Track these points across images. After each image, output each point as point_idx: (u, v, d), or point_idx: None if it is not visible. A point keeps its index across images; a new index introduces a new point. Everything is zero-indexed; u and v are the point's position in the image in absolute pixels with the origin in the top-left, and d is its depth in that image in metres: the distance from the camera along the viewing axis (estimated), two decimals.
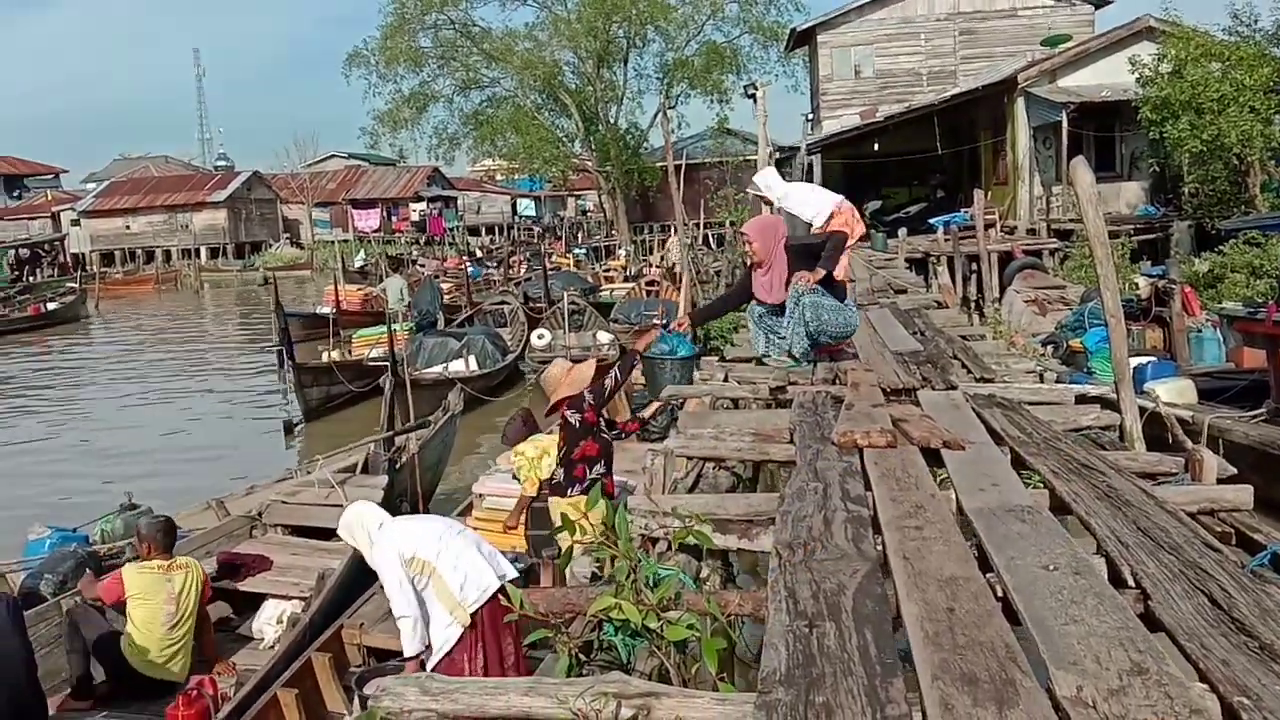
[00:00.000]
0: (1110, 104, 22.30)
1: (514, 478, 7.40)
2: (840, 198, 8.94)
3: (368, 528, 5.14)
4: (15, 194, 69.56)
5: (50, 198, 66.50)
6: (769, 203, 9.72)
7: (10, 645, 5.03)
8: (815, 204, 8.77)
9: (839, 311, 7.17)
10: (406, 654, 4.97)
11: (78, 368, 25.64)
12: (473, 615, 4.95)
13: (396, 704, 2.65)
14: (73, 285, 38.78)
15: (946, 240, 20.67)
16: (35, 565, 7.57)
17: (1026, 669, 2.41)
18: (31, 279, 44.44)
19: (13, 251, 47.14)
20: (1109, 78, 22.85)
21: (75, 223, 59.93)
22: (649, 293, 24.33)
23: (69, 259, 51.04)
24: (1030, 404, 5.74)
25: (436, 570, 4.96)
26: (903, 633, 2.74)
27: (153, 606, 5.87)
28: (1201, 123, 18.91)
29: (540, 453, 7.11)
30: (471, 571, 5.04)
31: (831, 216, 8.52)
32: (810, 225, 8.56)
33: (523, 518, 7.12)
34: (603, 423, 6.55)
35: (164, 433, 16.78)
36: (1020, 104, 24.23)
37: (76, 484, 13.24)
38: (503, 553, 6.43)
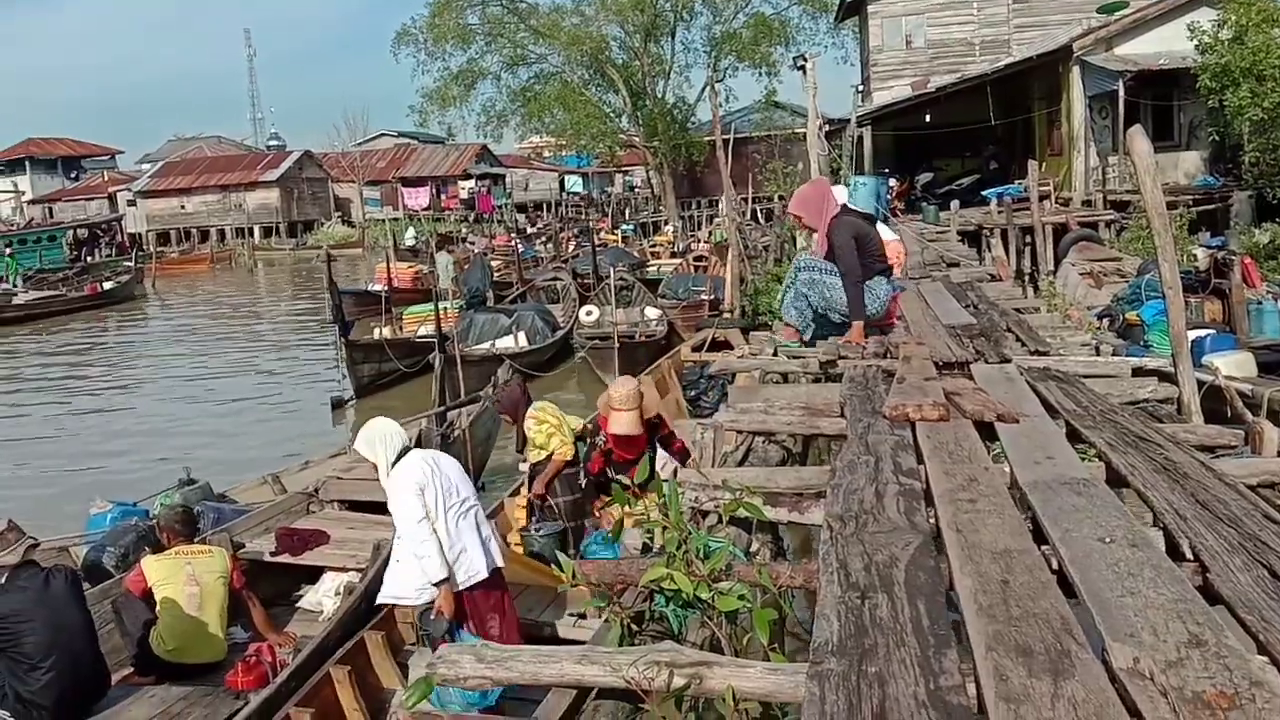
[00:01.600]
0: (1168, 72, 21.81)
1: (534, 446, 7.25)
2: (895, 237, 8.90)
3: (390, 446, 5.20)
4: (73, 175, 70.86)
5: (107, 178, 67.71)
6: None
7: (71, 616, 5.16)
8: None
9: (842, 289, 6.95)
10: (435, 579, 5.05)
11: (135, 346, 26.15)
12: (457, 594, 5.07)
13: (452, 671, 2.69)
14: (129, 265, 39.40)
15: (1000, 212, 20.38)
16: (97, 539, 7.76)
17: (1082, 641, 2.38)
18: (90, 259, 45.28)
19: (71, 232, 48.07)
20: (1167, 45, 22.32)
21: (131, 203, 60.95)
22: (697, 268, 24.29)
23: (126, 239, 51.88)
24: (1086, 377, 5.66)
25: (434, 531, 5.06)
26: (956, 605, 2.73)
27: (175, 590, 5.90)
28: (1263, 90, 18.45)
29: (559, 419, 7.11)
30: (464, 554, 5.13)
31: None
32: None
33: (554, 484, 7.09)
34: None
35: (220, 409, 17.10)
36: (1075, 73, 23.76)
37: (136, 459, 13.54)
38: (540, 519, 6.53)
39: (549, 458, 7.04)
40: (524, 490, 7.35)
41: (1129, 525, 3.12)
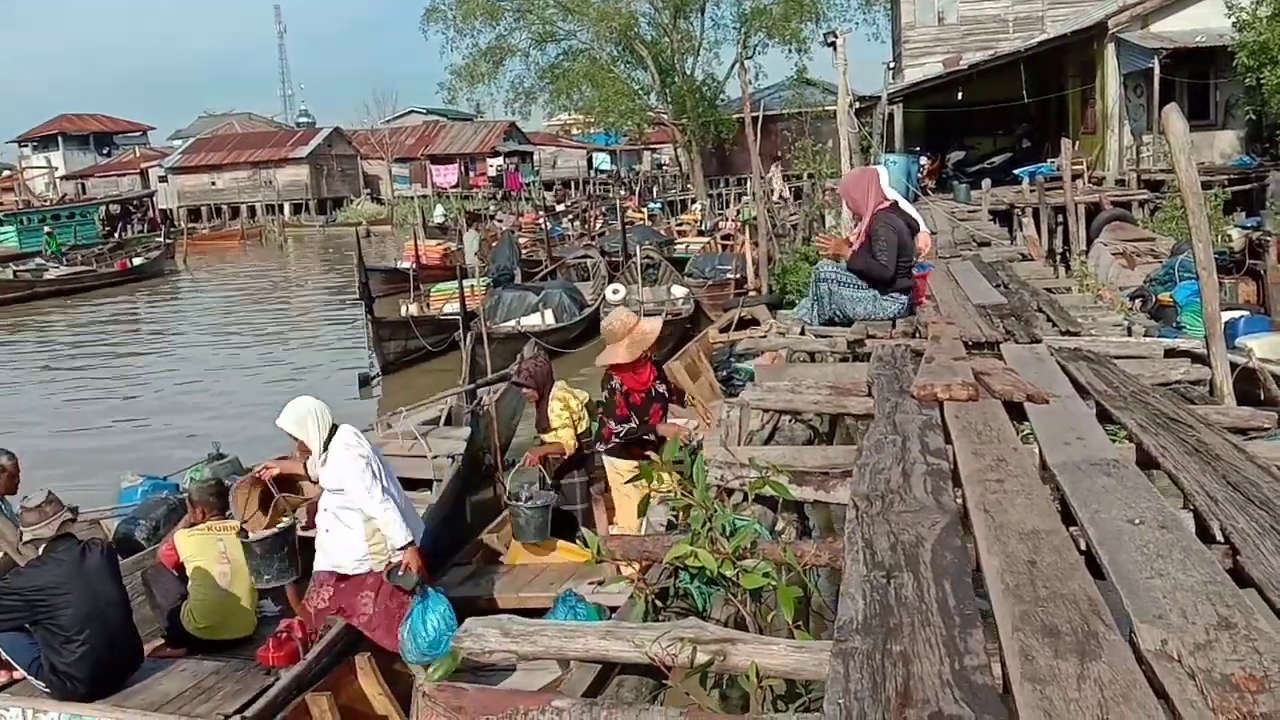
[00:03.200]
0: (1205, 50, 21.45)
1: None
2: (924, 228, 8.78)
3: (322, 424, 5.36)
4: (105, 151, 71.46)
5: (139, 154, 68.25)
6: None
7: (106, 589, 5.22)
8: None
9: (862, 302, 6.91)
10: (400, 544, 5.29)
11: (165, 321, 26.39)
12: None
13: (478, 645, 2.70)
14: (159, 240, 39.66)
15: (1032, 191, 20.16)
16: (129, 512, 7.85)
17: (1110, 622, 2.37)
18: (123, 234, 45.67)
19: (104, 207, 48.50)
20: (1203, 22, 21.94)
21: (163, 179, 61.43)
22: (724, 247, 24.20)
23: (158, 215, 52.29)
24: (1117, 358, 5.60)
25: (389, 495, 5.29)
26: (982, 586, 2.72)
27: (206, 565, 5.94)
28: None
29: (581, 406, 7.01)
30: (405, 515, 5.35)
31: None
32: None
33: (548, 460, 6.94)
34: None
35: (249, 384, 17.24)
36: (1110, 50, 23.42)
37: (165, 434, 13.68)
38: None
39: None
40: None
41: (1159, 507, 3.10)
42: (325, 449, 5.30)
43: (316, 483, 5.53)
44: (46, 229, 38.89)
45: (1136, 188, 21.24)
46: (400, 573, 5.33)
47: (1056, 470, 3.54)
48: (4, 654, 5.15)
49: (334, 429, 5.39)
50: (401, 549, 5.30)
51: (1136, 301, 11.09)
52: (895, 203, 7.12)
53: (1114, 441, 4.02)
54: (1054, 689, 2.09)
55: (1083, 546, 2.91)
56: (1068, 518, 3.13)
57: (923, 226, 8.88)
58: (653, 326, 6.62)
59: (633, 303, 17.05)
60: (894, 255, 6.79)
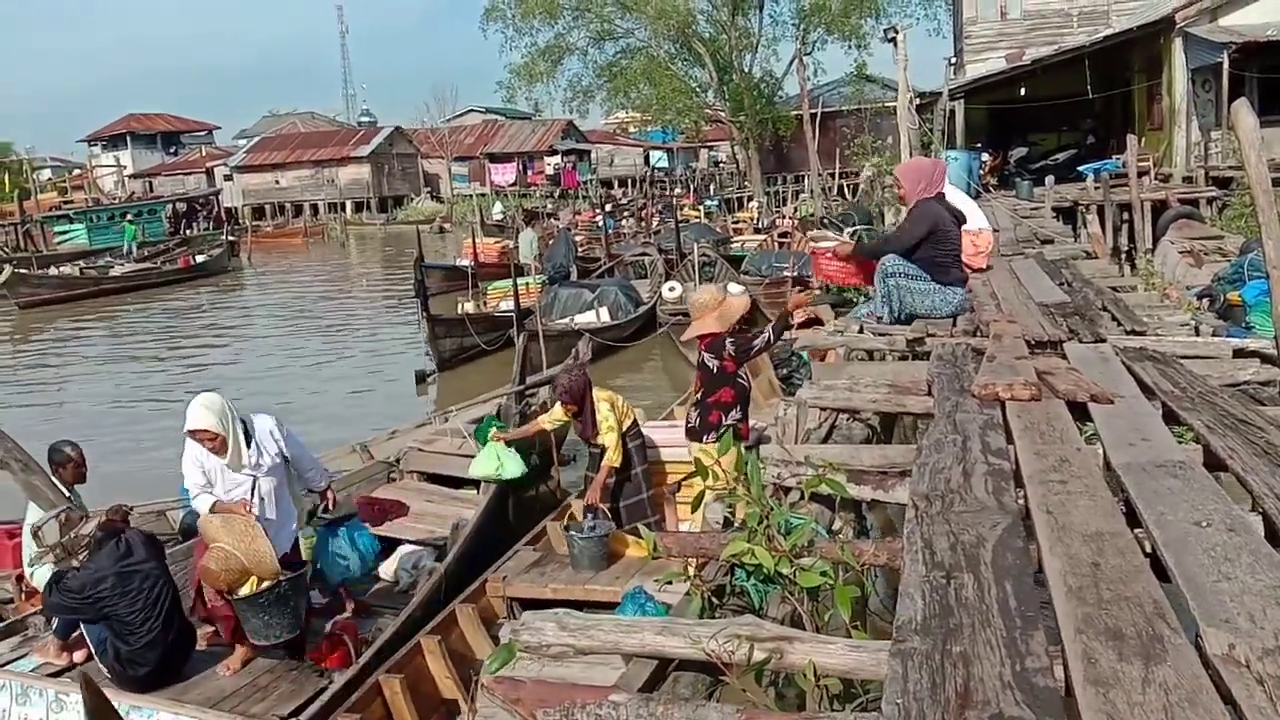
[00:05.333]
0: (1276, 43, 20.90)
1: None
2: (986, 226, 8.74)
3: (236, 418, 5.45)
4: (172, 150, 72.93)
5: (204, 154, 69.52)
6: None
7: (148, 564, 5.36)
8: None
9: (928, 294, 6.95)
10: (327, 482, 6.13)
11: (228, 317, 26.86)
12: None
13: (535, 638, 2.73)
14: (222, 238, 40.25)
15: (1097, 188, 19.81)
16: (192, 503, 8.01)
17: (1176, 626, 2.33)
18: (188, 232, 46.57)
19: (171, 205, 49.50)
20: (1274, 15, 21.37)
21: (228, 178, 62.53)
22: (780, 244, 24.08)
23: (223, 213, 53.23)
24: (1184, 358, 5.49)
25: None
26: (1044, 587, 2.68)
27: None
28: None
29: (621, 415, 6.89)
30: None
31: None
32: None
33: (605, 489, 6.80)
34: (744, 372, 6.45)
35: (310, 379, 17.50)
36: (1178, 45, 22.91)
37: None
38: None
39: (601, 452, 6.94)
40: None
41: (1227, 509, 3.03)
42: (248, 440, 5.46)
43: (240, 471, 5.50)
44: (129, 219, 39.43)
45: (1204, 185, 20.77)
46: (327, 509, 6.08)
47: (1121, 471, 3.48)
48: (83, 632, 5.36)
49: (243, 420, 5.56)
50: (326, 489, 6.02)
51: (1204, 301, 10.84)
52: (941, 194, 7.13)
53: (1181, 443, 3.95)
54: (1118, 692, 2.06)
55: (1148, 549, 2.87)
56: (1132, 520, 3.08)
57: (984, 224, 8.82)
58: (741, 301, 6.52)
59: (689, 300, 17.04)
60: (916, 235, 6.91)
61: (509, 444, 7.52)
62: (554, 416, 7.25)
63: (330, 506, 6.16)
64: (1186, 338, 6.33)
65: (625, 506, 6.87)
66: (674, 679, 2.78)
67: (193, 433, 5.32)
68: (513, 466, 7.45)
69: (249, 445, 5.44)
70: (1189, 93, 22.92)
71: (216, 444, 5.34)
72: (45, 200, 49.49)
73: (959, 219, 7.32)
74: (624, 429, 6.85)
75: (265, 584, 5.30)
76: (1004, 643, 2.30)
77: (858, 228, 6.89)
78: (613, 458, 6.74)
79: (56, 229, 42.99)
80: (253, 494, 5.46)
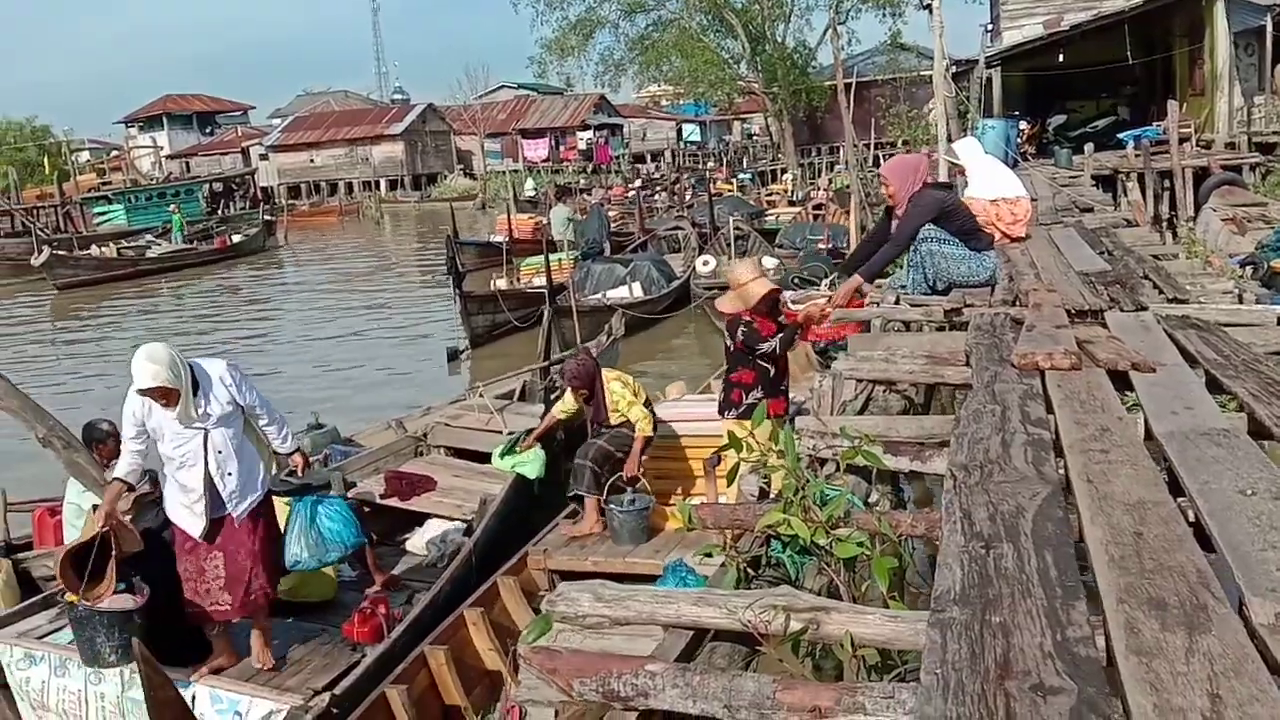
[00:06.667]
0: None
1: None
2: (1024, 194, 8.60)
3: (184, 367, 4.96)
4: (208, 130, 73.48)
5: (240, 133, 70.01)
6: (962, 171, 9.35)
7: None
8: (988, 184, 8.44)
9: (963, 260, 6.85)
10: (293, 446, 5.49)
11: (266, 296, 27.09)
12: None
13: (571, 609, 2.73)
14: (258, 218, 40.48)
15: (1137, 156, 19.50)
16: None
17: (1220, 595, 2.29)
18: (225, 211, 46.95)
19: (208, 185, 49.91)
20: None
21: (264, 157, 62.93)
22: (815, 217, 23.94)
23: (258, 192, 53.60)
24: (1227, 326, 5.40)
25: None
26: (1085, 557, 2.65)
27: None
28: None
29: (633, 387, 6.95)
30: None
31: (994, 204, 8.22)
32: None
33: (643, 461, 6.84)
34: (769, 355, 6.35)
35: (346, 355, 17.64)
36: (1220, 8, 22.43)
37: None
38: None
39: (627, 425, 6.91)
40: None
41: (1272, 477, 2.98)
42: (195, 390, 4.95)
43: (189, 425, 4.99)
44: (172, 207, 39.81)
45: (1247, 151, 20.38)
46: (301, 473, 5.47)
47: (1164, 440, 3.43)
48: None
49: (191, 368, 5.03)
50: (293, 452, 5.45)
51: (1247, 268, 10.68)
52: (926, 182, 7.05)
53: (1224, 411, 3.88)
54: (1161, 662, 2.03)
55: (1191, 518, 2.82)
56: (1175, 489, 3.04)
57: (1023, 192, 8.69)
58: (760, 284, 6.38)
59: (723, 273, 17.00)
60: (915, 226, 6.75)
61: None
62: (565, 405, 7.28)
63: (300, 472, 5.54)
64: (1229, 305, 6.22)
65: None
66: (710, 649, 2.78)
67: (144, 392, 4.85)
68: (531, 468, 7.38)
69: (196, 394, 4.94)
70: (1231, 56, 22.46)
71: (167, 399, 4.88)
72: (84, 182, 50.14)
73: (948, 187, 7.28)
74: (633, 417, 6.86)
75: (69, 598, 4.91)
76: (1044, 612, 2.27)
77: (834, 276, 6.57)
78: (644, 428, 6.76)
79: (96, 210, 43.48)
80: (206, 449, 4.98)
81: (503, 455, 7.35)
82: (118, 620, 4.85)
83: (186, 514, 5.09)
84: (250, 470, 5.17)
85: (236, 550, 5.10)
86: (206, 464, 4.99)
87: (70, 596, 4.90)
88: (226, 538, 5.11)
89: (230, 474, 5.04)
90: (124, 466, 5.03)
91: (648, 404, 7.02)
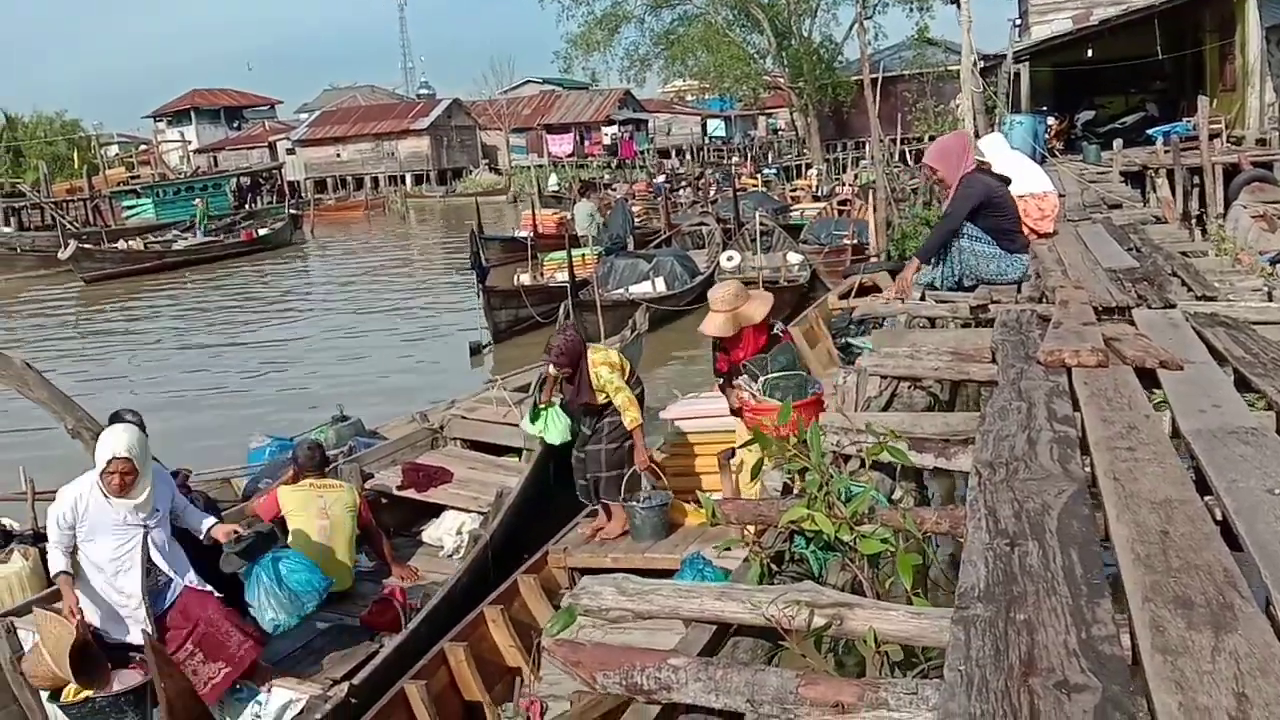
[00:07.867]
0: None
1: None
2: (1051, 189, 8.54)
3: (149, 454, 4.99)
4: (235, 125, 73.95)
5: (267, 128, 70.43)
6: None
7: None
8: (1015, 180, 8.37)
9: (994, 259, 6.84)
10: (210, 522, 5.38)
11: (294, 290, 27.24)
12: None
13: (595, 603, 2.74)
14: (286, 212, 40.65)
15: (1166, 152, 19.31)
16: (257, 471, 8.18)
17: (1247, 594, 2.28)
18: (252, 205, 47.23)
19: (235, 179, 50.22)
20: None
21: (290, 151, 63.25)
22: (840, 212, 23.82)
23: (285, 186, 53.89)
24: (1257, 324, 5.34)
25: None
26: (1111, 556, 2.64)
27: (306, 520, 6.17)
28: None
29: (620, 358, 6.85)
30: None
31: (1021, 199, 8.16)
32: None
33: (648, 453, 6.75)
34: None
35: (372, 349, 17.73)
36: (1251, 2, 22.12)
37: (292, 398, 14.17)
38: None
39: (610, 411, 6.75)
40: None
41: None
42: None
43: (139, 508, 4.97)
44: (198, 201, 40.00)
45: (1278, 147, 20.15)
46: (235, 543, 5.31)
47: (1191, 438, 3.41)
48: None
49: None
50: (212, 527, 5.34)
51: (1277, 266, 10.55)
52: (980, 162, 6.98)
53: (1252, 409, 3.85)
54: (1186, 661, 2.02)
55: (1218, 516, 2.80)
56: (1202, 487, 3.02)
57: (1049, 187, 8.62)
58: (759, 305, 6.35)
59: (748, 269, 16.97)
60: (969, 207, 6.72)
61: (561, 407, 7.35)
62: (611, 390, 7.13)
63: (234, 540, 5.34)
64: (1259, 303, 6.16)
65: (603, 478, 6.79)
66: (733, 644, 2.79)
67: (110, 462, 4.76)
68: (554, 434, 7.13)
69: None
70: (1263, 52, 22.17)
71: (129, 478, 4.80)
72: (113, 176, 50.45)
73: (1006, 181, 7.18)
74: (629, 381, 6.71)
75: (83, 694, 4.89)
76: (1069, 610, 2.27)
77: (768, 375, 6.22)
78: (634, 415, 6.58)
79: (124, 204, 43.79)
80: (145, 547, 4.97)
81: (532, 420, 7.16)
82: (133, 698, 4.87)
83: (126, 624, 5.03)
84: (181, 558, 5.19)
85: (198, 620, 5.06)
86: (146, 562, 4.98)
87: (85, 693, 4.90)
88: (180, 617, 5.08)
89: (166, 575, 5.08)
90: (60, 563, 4.93)
91: (640, 391, 6.86)
